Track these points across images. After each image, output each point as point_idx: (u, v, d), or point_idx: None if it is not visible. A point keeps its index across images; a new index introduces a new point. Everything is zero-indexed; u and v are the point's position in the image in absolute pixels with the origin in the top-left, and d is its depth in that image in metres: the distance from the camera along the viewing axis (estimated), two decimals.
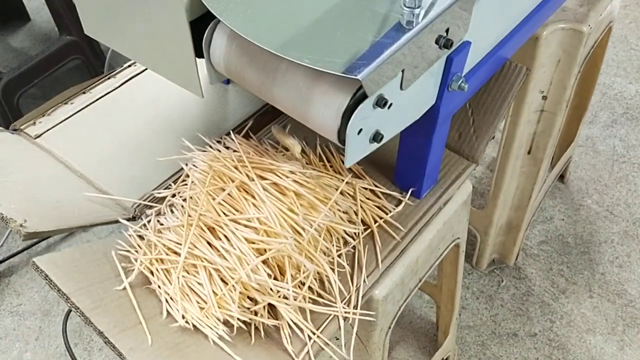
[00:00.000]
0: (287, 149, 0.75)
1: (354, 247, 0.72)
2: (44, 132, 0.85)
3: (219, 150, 0.74)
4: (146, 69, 0.94)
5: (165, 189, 0.77)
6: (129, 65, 0.95)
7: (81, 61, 1.75)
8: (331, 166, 0.78)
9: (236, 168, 0.70)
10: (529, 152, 1.18)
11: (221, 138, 0.78)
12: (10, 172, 0.76)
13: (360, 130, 0.54)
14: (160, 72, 0.65)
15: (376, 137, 0.57)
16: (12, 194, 0.71)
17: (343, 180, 0.74)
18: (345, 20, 0.54)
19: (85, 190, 0.77)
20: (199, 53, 0.60)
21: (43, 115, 0.87)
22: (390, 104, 0.55)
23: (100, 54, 1.79)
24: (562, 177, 1.60)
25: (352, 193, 0.75)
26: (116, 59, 1.68)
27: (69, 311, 1.36)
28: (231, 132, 0.77)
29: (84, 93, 0.91)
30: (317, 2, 0.56)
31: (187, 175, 0.74)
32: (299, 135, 0.75)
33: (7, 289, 1.47)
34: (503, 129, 1.13)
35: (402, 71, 0.54)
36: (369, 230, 0.74)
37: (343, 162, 0.77)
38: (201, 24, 0.58)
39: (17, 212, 0.67)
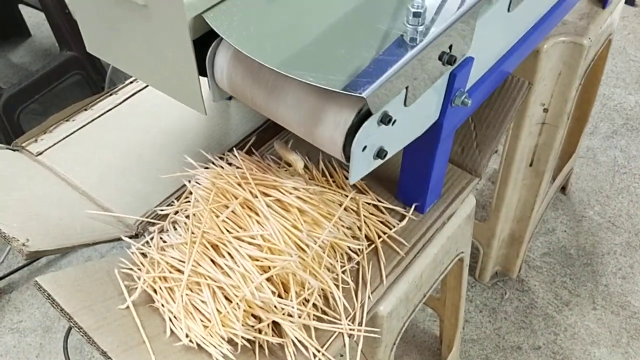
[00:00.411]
0: (289, 165, 0.75)
1: (358, 263, 0.72)
2: (45, 150, 0.85)
3: (222, 167, 0.74)
4: (147, 86, 0.94)
5: (167, 205, 0.77)
6: (131, 82, 0.95)
7: (82, 77, 1.76)
8: (334, 181, 0.77)
9: (239, 185, 0.70)
10: (530, 165, 1.18)
11: (224, 154, 0.78)
12: (12, 190, 0.76)
13: (365, 147, 0.54)
14: (163, 89, 0.65)
15: (380, 153, 0.56)
16: (14, 212, 0.71)
17: (346, 196, 0.74)
18: (349, 37, 0.54)
19: (87, 208, 0.77)
20: (202, 71, 0.60)
21: (44, 133, 0.87)
22: (394, 121, 0.55)
23: (101, 69, 1.79)
24: (563, 189, 1.60)
25: (355, 208, 0.75)
26: (117, 74, 1.68)
27: (70, 328, 1.35)
28: (234, 148, 0.76)
29: (85, 110, 0.91)
30: (321, 20, 0.56)
31: (190, 192, 0.74)
32: (301, 151, 0.74)
33: (7, 305, 1.46)
34: (505, 141, 1.13)
35: (406, 88, 0.54)
36: (372, 246, 0.74)
37: (346, 177, 0.77)
38: (204, 42, 0.58)
39: (19, 231, 0.66)
